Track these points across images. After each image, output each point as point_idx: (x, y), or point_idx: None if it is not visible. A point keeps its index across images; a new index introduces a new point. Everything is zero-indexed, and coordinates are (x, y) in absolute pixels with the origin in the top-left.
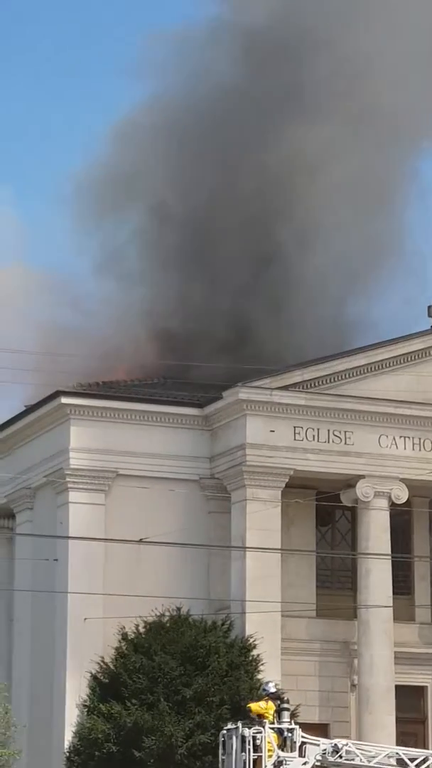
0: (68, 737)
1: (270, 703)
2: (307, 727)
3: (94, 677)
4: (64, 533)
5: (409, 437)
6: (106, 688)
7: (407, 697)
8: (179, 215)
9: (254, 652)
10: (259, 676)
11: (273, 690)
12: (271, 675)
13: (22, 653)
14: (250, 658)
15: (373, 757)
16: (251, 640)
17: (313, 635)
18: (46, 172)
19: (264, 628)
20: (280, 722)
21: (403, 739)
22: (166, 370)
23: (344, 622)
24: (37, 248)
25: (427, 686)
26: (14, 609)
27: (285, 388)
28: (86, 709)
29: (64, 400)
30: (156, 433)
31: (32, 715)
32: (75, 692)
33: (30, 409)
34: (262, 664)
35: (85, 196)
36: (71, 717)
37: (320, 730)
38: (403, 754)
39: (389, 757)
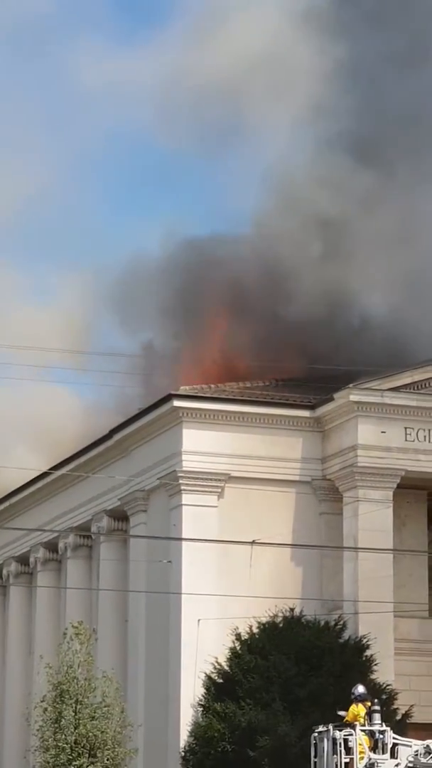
0: (184, 736)
1: (360, 705)
2: (420, 728)
3: (209, 677)
4: (178, 535)
5: None
6: (221, 687)
7: None
8: None
9: (368, 653)
10: (373, 676)
11: (362, 692)
12: (384, 675)
13: (136, 654)
14: (364, 658)
15: None
16: (365, 640)
17: (427, 635)
18: None
19: (377, 628)
20: (371, 724)
21: None
22: (278, 372)
23: None
24: None
25: None
26: (128, 610)
27: (396, 389)
28: (201, 709)
29: (177, 403)
30: (268, 435)
31: (147, 715)
32: (190, 692)
33: (143, 412)
34: (376, 665)
35: None
36: (186, 716)
37: None
38: None
39: None
